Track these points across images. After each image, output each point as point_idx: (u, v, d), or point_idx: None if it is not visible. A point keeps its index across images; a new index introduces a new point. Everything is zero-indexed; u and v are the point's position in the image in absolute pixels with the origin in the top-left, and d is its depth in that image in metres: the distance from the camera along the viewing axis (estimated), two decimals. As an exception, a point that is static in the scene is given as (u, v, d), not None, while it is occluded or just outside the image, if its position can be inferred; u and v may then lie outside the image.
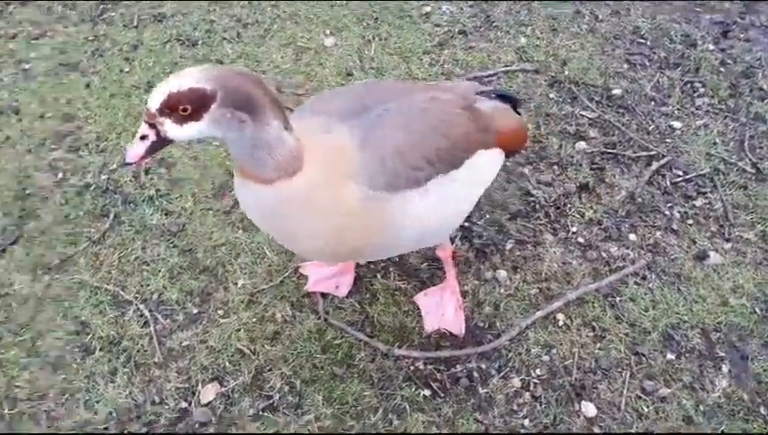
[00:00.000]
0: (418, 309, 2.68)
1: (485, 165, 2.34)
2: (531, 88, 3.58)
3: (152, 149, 1.83)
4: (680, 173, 3.19)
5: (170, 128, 1.79)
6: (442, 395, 2.47)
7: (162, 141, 1.82)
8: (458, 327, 2.62)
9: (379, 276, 2.79)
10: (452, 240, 2.88)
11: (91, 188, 3.12)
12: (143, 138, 1.81)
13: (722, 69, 3.70)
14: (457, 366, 2.55)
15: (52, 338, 2.63)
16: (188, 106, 1.76)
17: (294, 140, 1.90)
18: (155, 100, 1.77)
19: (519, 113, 2.64)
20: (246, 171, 1.93)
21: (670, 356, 2.56)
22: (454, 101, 2.28)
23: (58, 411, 2.44)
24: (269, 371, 2.53)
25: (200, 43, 3.78)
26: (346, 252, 2.18)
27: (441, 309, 2.65)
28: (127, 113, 3.42)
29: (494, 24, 3.92)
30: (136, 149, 1.82)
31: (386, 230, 2.07)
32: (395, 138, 2.05)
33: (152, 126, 1.80)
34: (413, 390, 2.48)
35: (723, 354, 2.57)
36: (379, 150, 2.01)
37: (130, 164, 1.85)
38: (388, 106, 2.11)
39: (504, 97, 2.58)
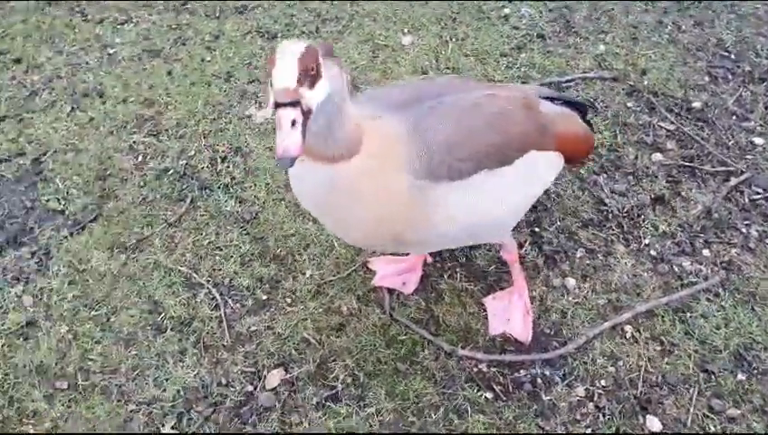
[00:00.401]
0: (485, 311, 2.68)
1: (540, 166, 2.32)
2: (608, 96, 3.53)
3: (304, 130, 1.72)
4: (759, 190, 3.11)
5: (309, 95, 1.73)
6: (504, 398, 2.46)
7: (306, 116, 1.73)
8: (525, 334, 2.60)
9: (445, 276, 2.80)
10: (520, 245, 2.87)
11: (170, 172, 3.21)
12: (293, 123, 1.69)
13: (808, 86, 3.59)
14: (521, 371, 2.54)
15: (126, 315, 2.71)
16: (314, 64, 1.74)
17: (354, 121, 1.93)
18: (289, 73, 1.70)
19: (588, 121, 2.61)
20: (314, 150, 1.88)
21: (741, 376, 2.49)
22: (513, 98, 2.27)
23: (128, 386, 2.52)
24: (333, 361, 2.56)
25: (279, 35, 3.85)
26: (390, 240, 2.17)
27: (508, 313, 2.64)
28: (206, 102, 3.51)
29: (574, 30, 3.88)
30: (293, 138, 1.68)
31: (428, 220, 2.08)
32: (443, 129, 2.06)
33: (294, 104, 1.70)
34: (475, 391, 2.48)
35: (797, 379, 2.50)
36: (426, 140, 2.03)
37: (294, 158, 1.68)
38: (442, 99, 2.13)
39: (571, 104, 2.56)
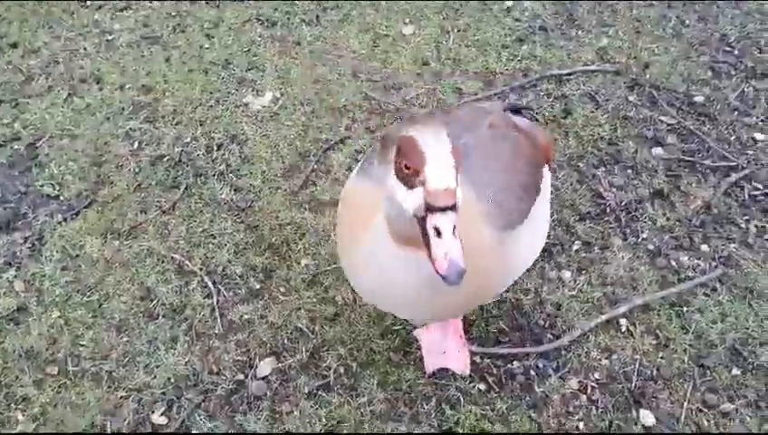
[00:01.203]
0: (480, 306, 2.65)
1: (547, 182, 2.28)
2: (610, 89, 3.50)
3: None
4: (759, 186, 3.08)
5: (459, 195, 1.54)
6: (497, 390, 2.44)
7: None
8: (462, 366, 2.46)
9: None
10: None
11: (165, 159, 3.19)
12: (453, 229, 1.50)
13: (811, 82, 3.55)
14: (515, 363, 2.51)
15: (118, 301, 2.69)
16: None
17: None
18: (449, 171, 1.51)
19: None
20: (413, 237, 1.65)
21: (736, 371, 2.47)
22: (507, 124, 2.18)
23: (119, 373, 2.50)
24: (326, 351, 2.54)
25: (279, 24, 3.82)
26: (472, 302, 2.09)
27: (443, 347, 2.48)
28: (203, 89, 3.48)
29: (576, 23, 3.85)
30: (457, 248, 1.50)
31: (509, 268, 2.00)
32: (493, 174, 1.94)
33: (453, 207, 1.51)
34: (468, 382, 2.45)
35: (793, 375, 2.47)
36: (485, 189, 1.89)
37: (464, 270, 1.50)
38: (465, 141, 1.98)
39: (515, 110, 2.48)
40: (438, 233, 1.50)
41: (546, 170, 2.29)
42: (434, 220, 1.50)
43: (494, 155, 2.02)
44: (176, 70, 3.59)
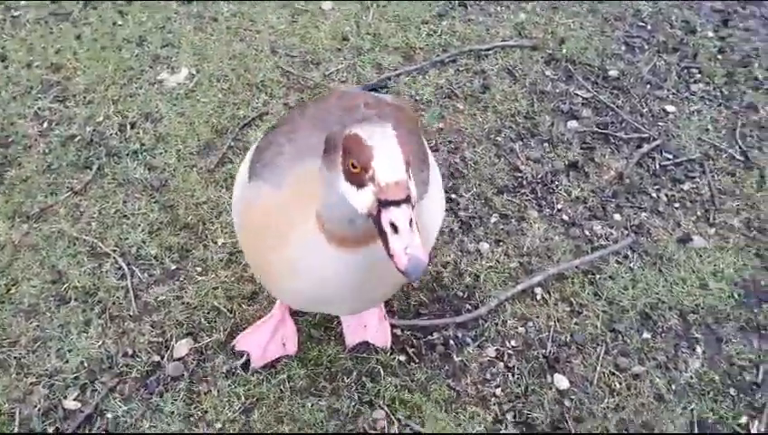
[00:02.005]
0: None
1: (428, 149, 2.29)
2: (527, 64, 3.54)
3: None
4: (670, 157, 3.17)
5: (412, 187, 1.50)
6: (417, 361, 2.46)
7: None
8: (383, 339, 2.47)
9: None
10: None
11: (76, 139, 3.09)
12: (410, 222, 1.44)
13: (719, 57, 3.67)
14: (434, 334, 2.53)
15: (28, 286, 2.60)
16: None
17: None
18: (398, 166, 1.46)
19: None
20: (349, 235, 1.66)
21: (646, 335, 2.55)
22: (379, 100, 2.16)
23: (28, 359, 2.42)
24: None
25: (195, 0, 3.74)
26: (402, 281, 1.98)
27: (363, 321, 2.47)
28: (116, 67, 3.38)
29: (494, -1, 3.88)
30: (416, 241, 1.44)
31: (425, 240, 1.85)
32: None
33: (407, 200, 1.46)
34: (388, 355, 2.47)
35: (698, 336, 2.56)
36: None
37: (426, 264, 1.46)
38: (349, 124, 1.88)
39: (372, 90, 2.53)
40: (395, 228, 1.44)
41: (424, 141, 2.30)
42: (388, 215, 1.45)
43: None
44: (87, 47, 3.47)
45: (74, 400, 2.34)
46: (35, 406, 2.31)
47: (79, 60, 3.41)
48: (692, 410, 2.36)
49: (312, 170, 1.72)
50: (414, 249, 1.42)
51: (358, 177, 1.49)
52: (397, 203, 1.44)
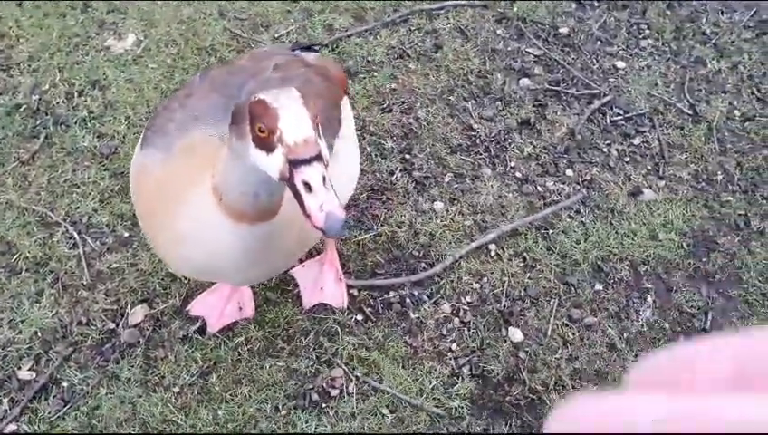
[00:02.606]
0: (357, 241, 2.67)
1: (349, 114, 2.21)
2: (478, 23, 3.54)
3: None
4: (620, 112, 3.21)
5: (322, 144, 1.48)
6: (374, 320, 2.48)
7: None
8: (339, 300, 2.49)
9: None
10: (390, 172, 2.87)
11: (22, 108, 3.02)
12: (324, 179, 1.42)
13: (668, 12, 3.71)
14: (391, 293, 2.56)
15: (-23, 258, 2.56)
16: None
17: None
18: (305, 124, 1.43)
19: None
20: (248, 210, 1.64)
21: (598, 287, 2.60)
22: (293, 61, 2.10)
23: (-19, 331, 2.39)
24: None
25: (140, -36, 3.65)
26: (302, 246, 2.02)
27: (320, 283, 2.50)
28: (61, 33, 3.30)
29: (445, -42, 3.85)
30: (331, 197, 1.41)
31: None
32: None
33: (318, 158, 1.43)
34: (346, 314, 2.48)
35: (649, 286, 2.62)
36: None
37: (345, 220, 1.42)
38: (250, 88, 1.88)
39: (305, 49, 2.44)
40: (309, 187, 1.41)
41: (346, 103, 2.22)
42: (300, 175, 1.41)
43: None
44: (29, 15, 3.38)
45: (29, 370, 2.32)
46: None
47: (21, 27, 3.32)
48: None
49: (204, 138, 1.71)
50: (329, 205, 1.39)
51: (267, 141, 1.45)
52: (307, 161, 1.41)
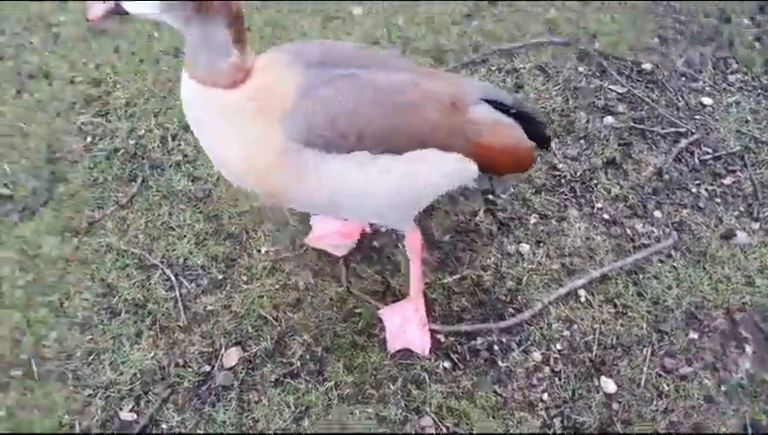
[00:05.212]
0: (442, 284, 2.69)
1: (437, 166, 2.17)
2: (559, 61, 3.53)
3: (109, 14, 1.87)
4: (709, 151, 3.15)
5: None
6: (461, 367, 2.49)
7: (116, 10, 1.86)
8: (422, 346, 2.53)
9: (401, 247, 2.80)
10: (474, 213, 2.88)
11: (120, 152, 3.15)
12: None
13: (756, 45, 3.63)
14: (478, 339, 2.56)
15: (80, 299, 2.67)
16: None
17: (239, 58, 1.91)
18: None
19: (545, 135, 2.43)
20: (187, 65, 1.97)
21: (693, 335, 2.55)
22: (435, 92, 2.13)
23: (84, 371, 2.49)
24: (291, 337, 2.56)
25: (228, 9, 3.77)
26: (265, 191, 2.16)
27: (404, 326, 2.55)
28: (155, 79, 3.44)
29: (525, -5, 3.87)
30: (95, 9, 1.87)
31: (297, 183, 2.04)
32: (336, 102, 1.98)
33: None
34: (433, 361, 2.50)
35: (747, 335, 2.55)
36: (315, 106, 1.97)
37: (89, 21, 1.89)
38: (357, 72, 2.03)
39: (525, 117, 2.34)
40: None
41: (440, 155, 2.15)
42: None
43: (360, 93, 2.02)
44: (125, 61, 3.54)
45: (130, 411, 2.41)
46: (93, 418, 2.38)
47: (118, 74, 3.47)
48: (744, 411, 2.36)
49: None
50: (92, 9, 1.86)
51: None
52: None
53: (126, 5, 1.85)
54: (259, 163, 2.01)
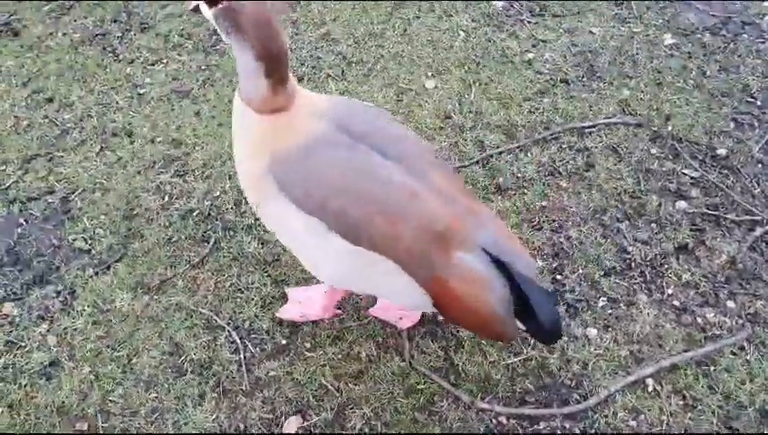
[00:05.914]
0: (506, 365, 2.66)
1: (388, 278, 2.14)
2: (632, 142, 3.52)
3: (195, 10, 2.11)
4: (786, 241, 3.08)
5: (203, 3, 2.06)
6: (523, 451, 2.44)
7: (198, 9, 2.09)
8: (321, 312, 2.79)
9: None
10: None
11: (195, 213, 3.25)
12: None
13: (837, 133, 3.56)
14: (541, 424, 2.51)
15: (148, 357, 2.73)
16: None
17: (270, 93, 2.08)
18: None
19: (543, 328, 2.15)
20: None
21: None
22: (433, 215, 2.07)
23: (147, 429, 2.53)
24: (351, 409, 2.56)
25: (306, 78, 3.90)
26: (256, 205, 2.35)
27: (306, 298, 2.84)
28: (231, 142, 3.54)
29: (597, 75, 3.89)
30: (190, 3, 2.11)
31: (267, 217, 2.32)
32: (334, 176, 2.10)
33: None
34: (494, 443, 2.46)
35: (824, 438, 2.45)
36: (309, 167, 2.11)
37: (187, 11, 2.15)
38: (370, 154, 2.11)
39: (535, 300, 2.12)
40: None
41: (400, 275, 2.13)
42: None
43: (358, 178, 2.11)
44: (205, 123, 3.67)
45: (189, 473, 2.43)
46: (153, 478, 2.41)
47: (198, 135, 3.60)
48: None
49: None
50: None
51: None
52: None
53: (201, 6, 2.07)
54: (250, 184, 2.29)
